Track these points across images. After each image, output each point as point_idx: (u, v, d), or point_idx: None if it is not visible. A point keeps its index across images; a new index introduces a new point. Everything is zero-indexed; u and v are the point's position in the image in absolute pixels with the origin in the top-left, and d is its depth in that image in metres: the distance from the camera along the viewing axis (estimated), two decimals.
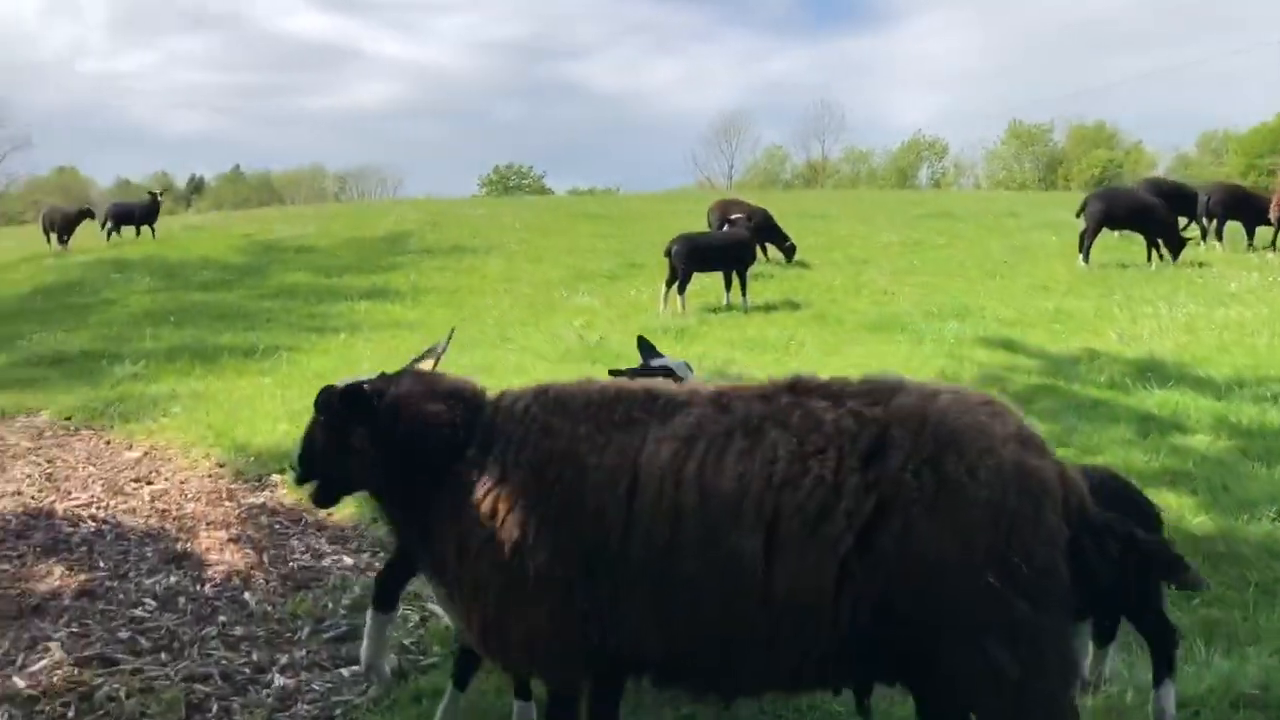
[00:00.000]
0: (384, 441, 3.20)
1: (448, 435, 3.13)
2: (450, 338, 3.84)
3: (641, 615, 2.88)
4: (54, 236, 21.96)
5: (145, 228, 22.23)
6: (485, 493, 3.00)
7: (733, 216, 14.64)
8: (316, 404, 3.30)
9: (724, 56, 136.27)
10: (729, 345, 11.33)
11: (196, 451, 7.68)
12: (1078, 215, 15.71)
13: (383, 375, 3.40)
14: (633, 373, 4.50)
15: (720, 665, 2.89)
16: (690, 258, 12.88)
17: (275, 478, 7.03)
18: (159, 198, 23.00)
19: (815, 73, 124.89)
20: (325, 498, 3.54)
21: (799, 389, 2.92)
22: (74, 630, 4.82)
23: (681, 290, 12.96)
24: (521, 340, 11.65)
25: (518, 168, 80.00)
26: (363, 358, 10.54)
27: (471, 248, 18.57)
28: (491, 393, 3.31)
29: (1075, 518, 2.72)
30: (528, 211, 24.26)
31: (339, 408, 3.24)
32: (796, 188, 74.89)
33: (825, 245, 17.77)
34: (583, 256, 17.31)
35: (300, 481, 3.55)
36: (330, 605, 5.15)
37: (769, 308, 13.24)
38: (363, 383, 3.29)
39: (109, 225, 22.29)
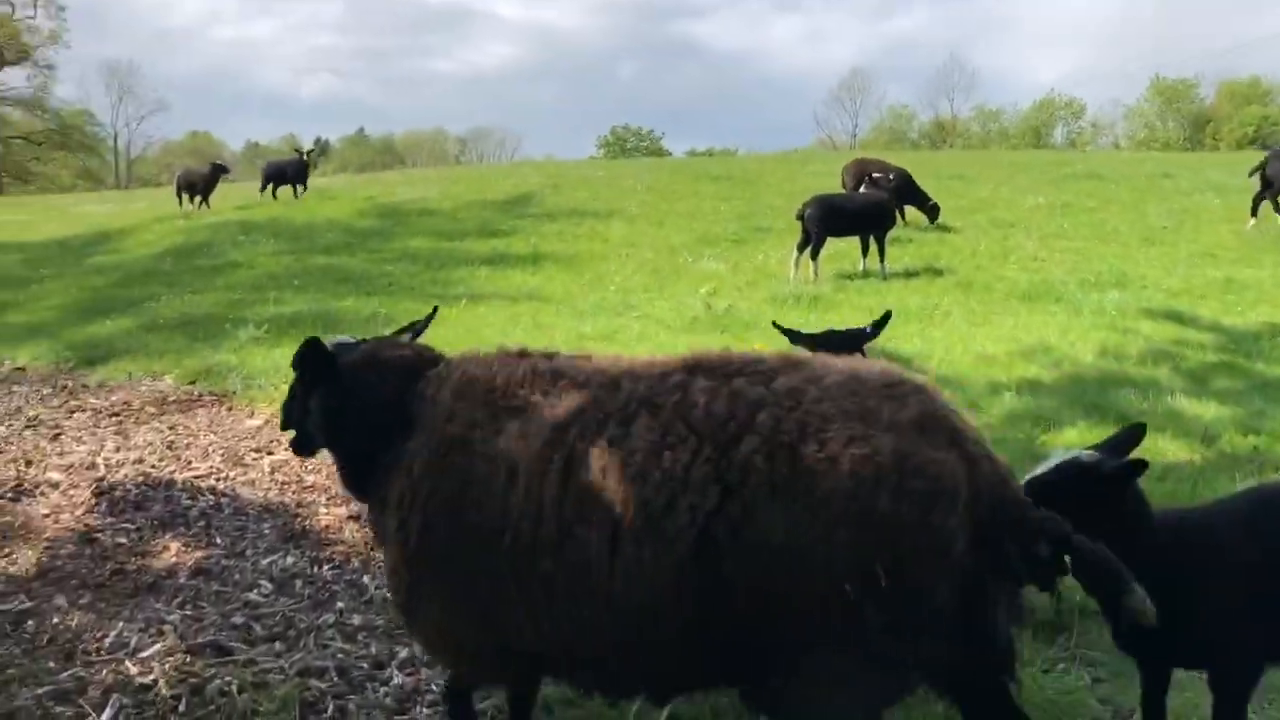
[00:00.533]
0: (332, 406, 3.23)
1: (375, 407, 3.12)
2: (432, 316, 3.82)
3: (522, 614, 2.76)
4: (186, 198, 22.48)
5: (299, 186, 22.91)
6: (395, 478, 2.97)
7: (873, 175, 13.83)
8: (294, 357, 3.27)
9: (845, 14, 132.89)
10: (867, 314, 10.60)
11: None
12: (1252, 175, 14.39)
13: (360, 340, 3.44)
14: (814, 339, 4.49)
15: (597, 666, 2.78)
16: (825, 220, 12.17)
17: None
18: (305, 157, 23.50)
19: (940, 30, 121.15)
20: (301, 447, 3.54)
21: (697, 367, 2.68)
22: (188, 613, 4.54)
23: (815, 255, 12.28)
24: (645, 308, 11.18)
25: (635, 129, 79.88)
26: (484, 324, 10.23)
27: (592, 211, 18.14)
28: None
29: (990, 518, 2.29)
30: (648, 173, 23.71)
31: (302, 365, 3.27)
32: (923, 148, 72.83)
33: (966, 208, 16.78)
34: (706, 220, 16.72)
35: (282, 428, 3.58)
36: None
37: (909, 274, 12.48)
38: (332, 344, 3.33)
39: (265, 184, 23.13)
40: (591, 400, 2.74)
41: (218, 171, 22.93)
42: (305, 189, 23.09)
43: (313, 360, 3.22)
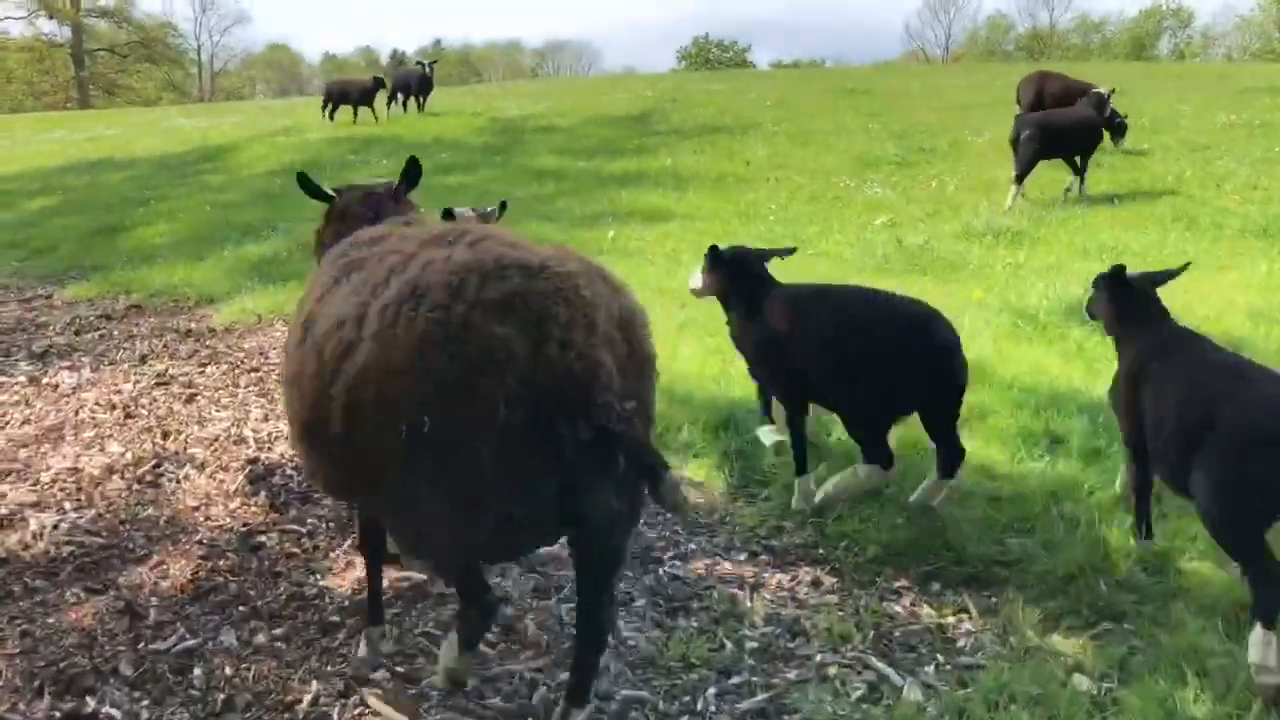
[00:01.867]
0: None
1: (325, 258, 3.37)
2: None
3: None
4: (331, 108, 21.41)
5: (421, 99, 21.83)
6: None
7: (1098, 90, 12.03)
8: None
9: None
10: (1080, 252, 9.18)
11: None
12: None
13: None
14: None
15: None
16: (1044, 142, 10.62)
17: None
18: (428, 69, 21.83)
19: None
20: None
21: (441, 239, 2.89)
22: (399, 669, 3.47)
23: (1019, 181, 10.76)
24: (819, 243, 9.80)
25: (717, 41, 76.96)
26: (648, 255, 8.99)
27: (724, 127, 16.62)
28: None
29: (548, 397, 2.44)
30: (772, 88, 21.98)
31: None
32: (1019, 59, 69.36)
33: (1148, 127, 14.91)
34: (856, 140, 15.12)
35: None
36: (728, 645, 3.61)
37: (1114, 203, 10.88)
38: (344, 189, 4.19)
39: (392, 97, 21.98)
40: (363, 257, 2.99)
41: (378, 85, 21.54)
42: (426, 103, 21.91)
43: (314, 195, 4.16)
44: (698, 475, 4.84)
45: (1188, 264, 4.20)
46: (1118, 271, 3.99)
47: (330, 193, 4.12)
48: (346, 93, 21.57)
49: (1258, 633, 3.02)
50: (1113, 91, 12.34)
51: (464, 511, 2.57)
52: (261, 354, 7.02)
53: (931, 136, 14.78)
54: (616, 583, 3.17)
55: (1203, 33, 73.57)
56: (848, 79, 22.43)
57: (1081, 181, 11.07)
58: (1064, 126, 11.13)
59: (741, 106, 19.02)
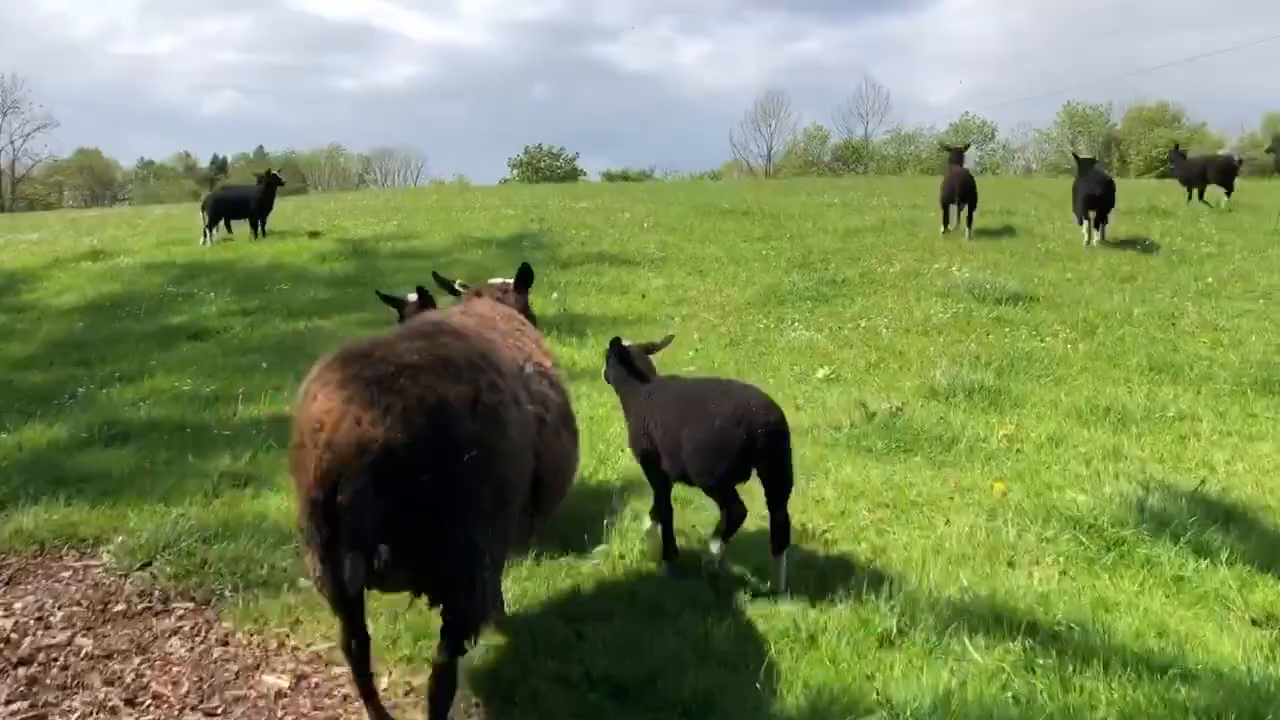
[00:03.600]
0: None
1: None
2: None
3: None
4: (219, 226, 18.31)
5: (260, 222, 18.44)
6: None
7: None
8: None
9: (749, 38, 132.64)
10: (1079, 420, 7.93)
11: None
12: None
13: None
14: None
15: None
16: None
17: None
18: (266, 184, 18.33)
19: (846, 53, 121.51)
20: None
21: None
22: None
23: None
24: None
25: (549, 149, 76.95)
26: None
27: (608, 255, 15.02)
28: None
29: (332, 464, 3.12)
30: (641, 204, 20.67)
31: None
32: (837, 171, 71.97)
33: (1059, 253, 14.13)
34: (755, 269, 13.76)
35: None
36: None
37: (1073, 346, 9.78)
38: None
39: (216, 219, 18.52)
40: None
41: (273, 186, 18.38)
42: (264, 226, 18.57)
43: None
44: None
45: (672, 336, 6.00)
46: (618, 343, 5.47)
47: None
48: (243, 201, 18.34)
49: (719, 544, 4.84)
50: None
51: None
52: (39, 613, 4.71)
53: (837, 265, 13.61)
54: None
55: (1004, 145, 78.41)
56: (719, 197, 21.37)
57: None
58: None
59: (617, 230, 17.56)
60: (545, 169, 74.66)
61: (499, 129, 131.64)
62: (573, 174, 73.84)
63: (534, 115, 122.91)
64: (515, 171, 75.82)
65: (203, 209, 18.82)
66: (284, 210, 25.61)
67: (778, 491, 4.68)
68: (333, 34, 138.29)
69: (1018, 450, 7.05)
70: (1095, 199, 14.28)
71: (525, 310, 5.31)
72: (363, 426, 3.07)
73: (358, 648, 3.54)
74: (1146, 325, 10.22)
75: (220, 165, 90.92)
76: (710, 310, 11.62)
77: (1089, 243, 14.11)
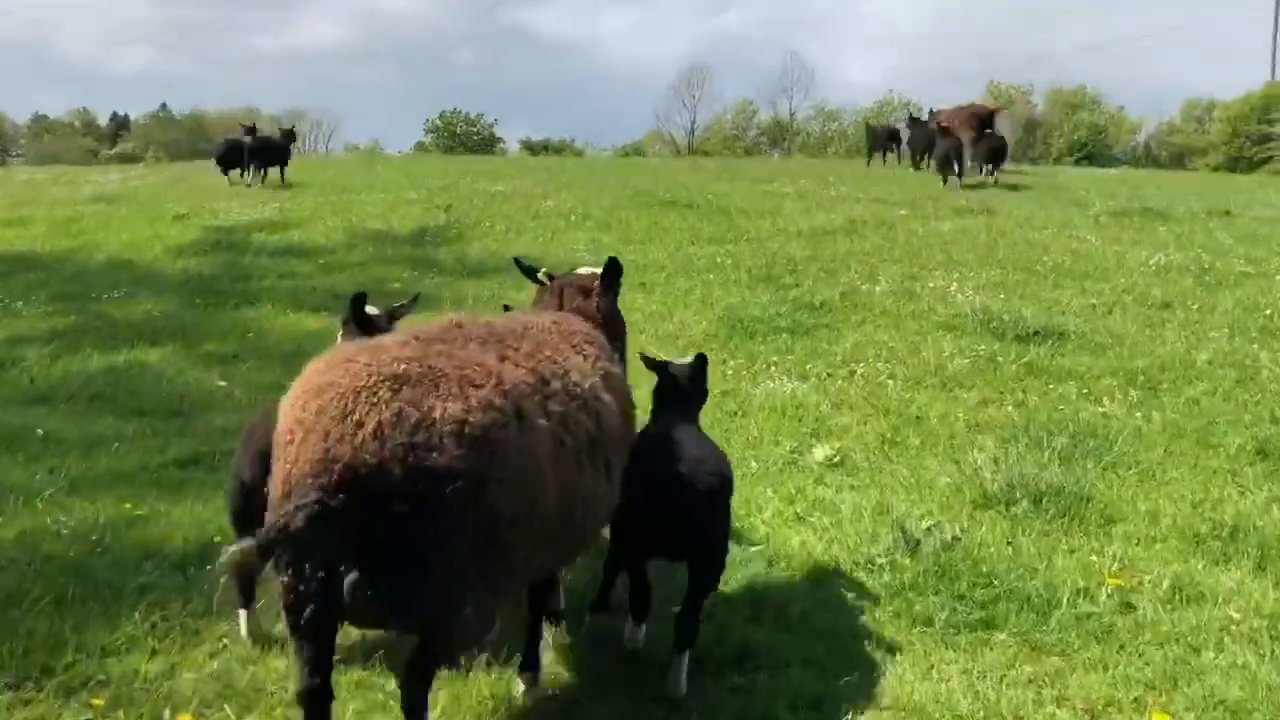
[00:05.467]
0: None
1: None
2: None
3: None
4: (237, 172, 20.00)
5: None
6: None
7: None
8: None
9: (680, 7, 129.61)
10: (1195, 544, 5.64)
11: None
12: None
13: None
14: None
15: None
16: None
17: None
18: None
19: (771, 27, 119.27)
20: None
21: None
22: None
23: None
24: (753, 522, 5.81)
25: (464, 115, 73.25)
26: None
27: (533, 257, 12.34)
28: None
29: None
30: (566, 190, 17.92)
31: None
32: (761, 149, 70.27)
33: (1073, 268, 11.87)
34: (710, 284, 11.14)
35: None
36: None
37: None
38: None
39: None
40: None
41: (291, 137, 21.63)
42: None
43: None
44: None
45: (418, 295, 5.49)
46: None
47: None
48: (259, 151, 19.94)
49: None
50: None
51: None
52: None
53: (811, 281, 11.15)
54: None
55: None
56: (657, 183, 18.66)
57: None
58: None
59: (539, 221, 14.89)
60: (462, 135, 71.29)
61: (421, 93, 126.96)
62: (490, 141, 70.78)
63: (458, 80, 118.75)
64: (430, 137, 72.30)
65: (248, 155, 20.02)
66: (166, 180, 22.40)
67: None
68: None
69: (1142, 617, 4.71)
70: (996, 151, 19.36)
71: (607, 312, 4.68)
72: (328, 443, 2.86)
73: (315, 685, 3.09)
74: (1221, 381, 7.99)
75: (121, 122, 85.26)
76: (660, 342, 9.08)
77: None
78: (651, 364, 4.62)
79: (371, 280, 11.06)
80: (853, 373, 8.34)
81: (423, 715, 3.16)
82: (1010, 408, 7.58)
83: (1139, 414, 7.39)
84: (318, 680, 3.08)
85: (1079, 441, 6.80)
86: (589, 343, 3.97)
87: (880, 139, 28.44)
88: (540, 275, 4.83)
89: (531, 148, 68.59)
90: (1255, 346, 8.82)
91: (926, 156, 22.80)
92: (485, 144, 69.00)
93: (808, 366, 8.59)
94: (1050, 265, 11.72)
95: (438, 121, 73.13)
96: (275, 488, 2.99)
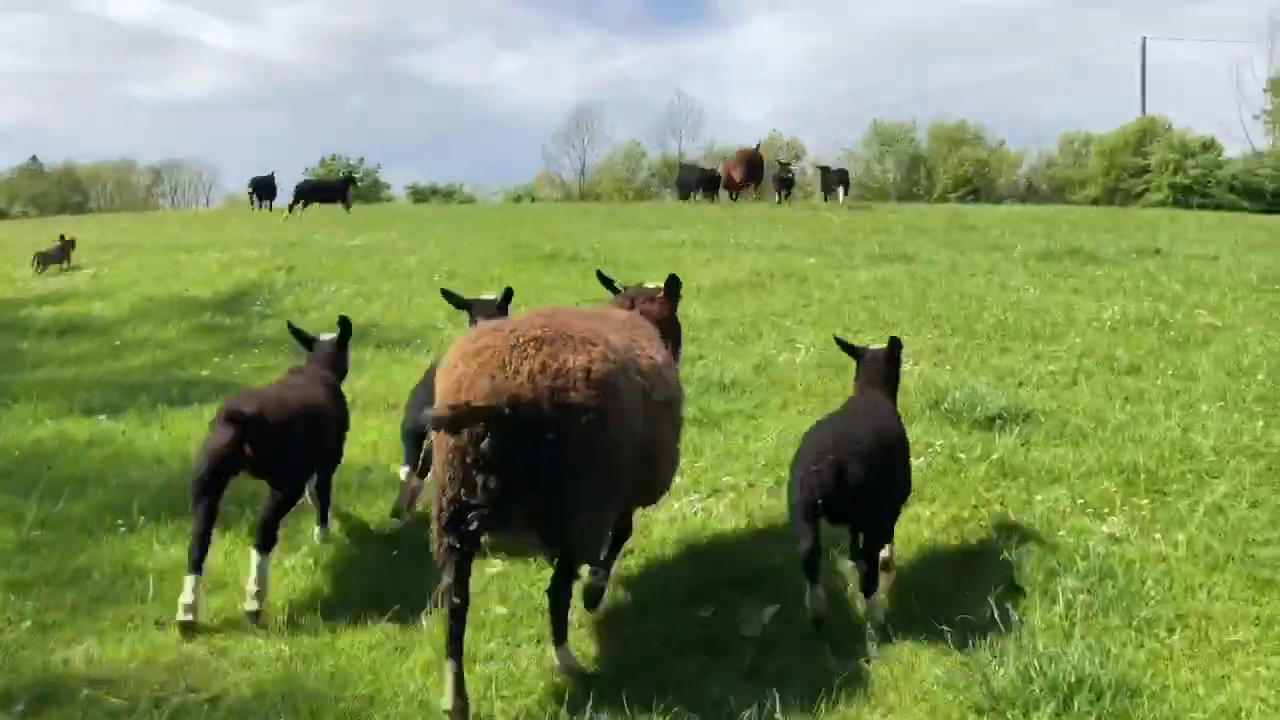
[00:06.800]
0: None
1: None
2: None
3: None
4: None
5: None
6: None
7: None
8: None
9: (571, 52, 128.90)
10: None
11: None
12: None
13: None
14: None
15: None
16: None
17: None
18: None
19: (659, 70, 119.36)
20: None
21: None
22: None
23: None
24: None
25: (347, 161, 70.42)
26: None
27: (378, 332, 10.19)
28: None
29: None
30: (436, 242, 15.73)
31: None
32: (652, 191, 69.36)
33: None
34: None
35: None
36: None
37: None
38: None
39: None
40: None
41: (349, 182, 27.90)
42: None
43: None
44: None
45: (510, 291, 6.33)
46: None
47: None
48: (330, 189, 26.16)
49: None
50: None
51: None
52: None
53: (718, 354, 9.23)
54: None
55: (814, 163, 77.13)
56: (537, 232, 16.63)
57: None
58: None
59: (396, 281, 12.70)
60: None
61: (310, 141, 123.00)
62: (375, 188, 68.01)
63: (348, 127, 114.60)
64: None
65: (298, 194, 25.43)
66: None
67: None
68: (130, 40, 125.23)
69: None
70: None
71: (666, 319, 5.61)
72: (495, 382, 3.79)
73: (458, 602, 3.93)
74: (1239, 476, 6.30)
75: None
76: None
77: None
78: (848, 348, 5.60)
79: (170, 364, 8.77)
80: (780, 481, 6.43)
81: (566, 605, 4.28)
82: (990, 531, 5.73)
83: (1157, 534, 5.61)
84: (463, 580, 3.99)
85: (1096, 587, 4.97)
86: (654, 336, 5.04)
87: (691, 182, 31.69)
88: (617, 285, 6.00)
89: (419, 193, 66.64)
90: (1261, 424, 7.18)
91: (694, 193, 30.07)
92: (368, 192, 66.42)
93: (718, 473, 6.63)
94: (992, 323, 10.04)
95: (319, 169, 70.24)
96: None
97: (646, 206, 34.92)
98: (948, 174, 64.37)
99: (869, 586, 4.66)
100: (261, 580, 4.76)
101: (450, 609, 3.89)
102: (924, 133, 69.40)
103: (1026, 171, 70.32)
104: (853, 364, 5.65)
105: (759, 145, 27.08)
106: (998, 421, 7.27)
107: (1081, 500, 6.05)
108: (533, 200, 65.60)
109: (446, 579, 3.89)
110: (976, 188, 61.96)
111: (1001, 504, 6.07)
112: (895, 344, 5.44)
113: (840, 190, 26.99)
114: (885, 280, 12.20)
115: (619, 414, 4.03)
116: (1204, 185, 48.86)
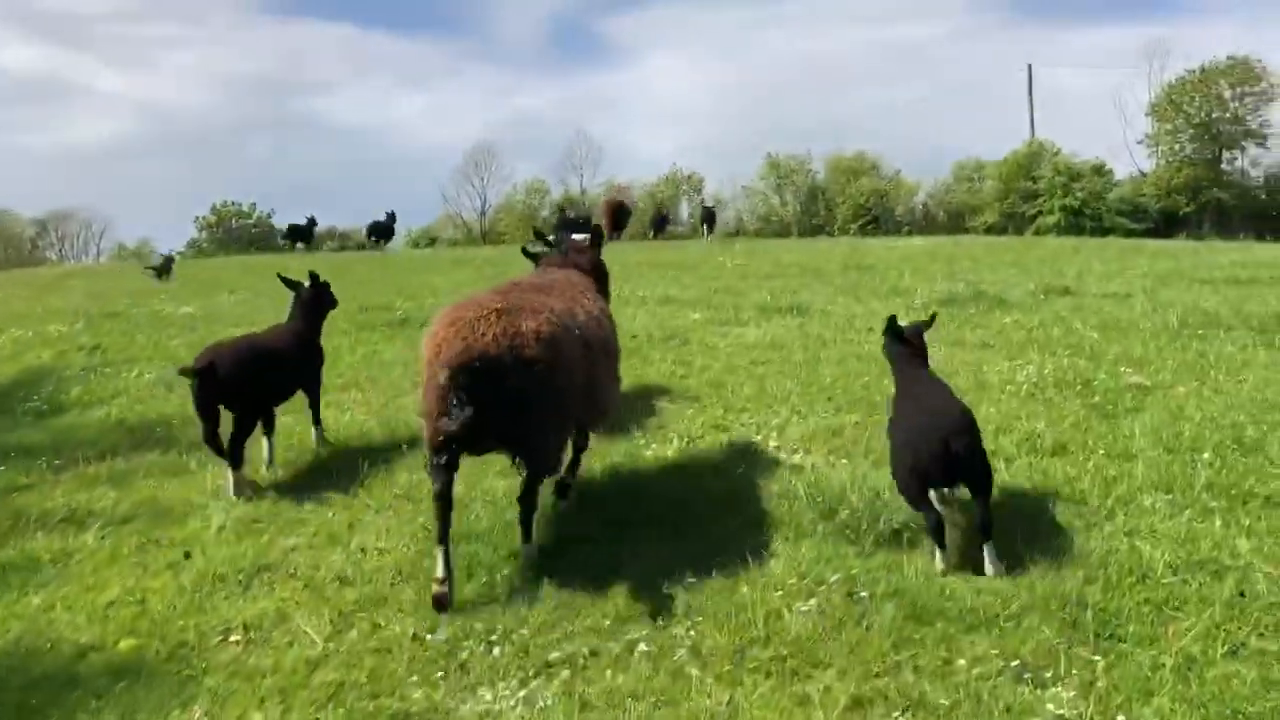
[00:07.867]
0: None
1: None
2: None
3: None
4: None
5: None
6: None
7: None
8: None
9: (468, 92, 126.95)
10: None
11: None
12: None
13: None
14: None
15: None
16: None
17: None
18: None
19: (561, 108, 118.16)
20: None
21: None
22: None
23: None
24: None
25: (237, 206, 67.47)
26: None
27: (147, 438, 8.41)
28: None
29: None
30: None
31: None
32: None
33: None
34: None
35: None
36: None
37: None
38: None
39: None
40: None
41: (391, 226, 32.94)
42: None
43: None
44: None
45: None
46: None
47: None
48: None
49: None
50: None
51: None
52: None
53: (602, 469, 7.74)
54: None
55: (714, 197, 76.64)
56: (400, 291, 14.91)
57: None
58: None
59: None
60: (237, 229, 65.69)
61: (208, 187, 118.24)
62: (267, 234, 64.99)
63: (247, 173, 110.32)
64: (205, 234, 66.33)
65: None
66: None
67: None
68: (18, 89, 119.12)
69: None
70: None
71: (595, 263, 7.42)
72: (468, 342, 5.18)
73: (444, 499, 5.27)
74: (1206, 607, 4.94)
75: None
76: (316, 614, 5.39)
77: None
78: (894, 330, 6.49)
79: None
80: (632, 649, 4.90)
81: (532, 512, 5.70)
82: (902, 717, 4.29)
83: (1118, 712, 4.23)
84: (447, 487, 5.31)
85: None
86: (589, 286, 6.73)
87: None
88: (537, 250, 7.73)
89: (298, 232, 63.77)
90: (1219, 525, 5.90)
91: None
92: (262, 237, 63.54)
93: (561, 643, 5.07)
94: (893, 392, 8.72)
95: (210, 216, 67.09)
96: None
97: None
98: (847, 204, 64.22)
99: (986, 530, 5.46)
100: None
101: (438, 509, 5.26)
102: (820, 164, 69.52)
103: (924, 199, 70.78)
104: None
105: (627, 186, 29.10)
106: (901, 537, 5.88)
107: (1015, 660, 4.65)
108: (432, 242, 63.68)
109: (435, 486, 5.27)
110: (876, 216, 61.84)
111: (914, 670, 4.63)
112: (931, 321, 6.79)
113: (705, 228, 31.29)
114: (775, 341, 10.84)
115: (564, 362, 5.48)
116: (1094, 208, 49.34)
